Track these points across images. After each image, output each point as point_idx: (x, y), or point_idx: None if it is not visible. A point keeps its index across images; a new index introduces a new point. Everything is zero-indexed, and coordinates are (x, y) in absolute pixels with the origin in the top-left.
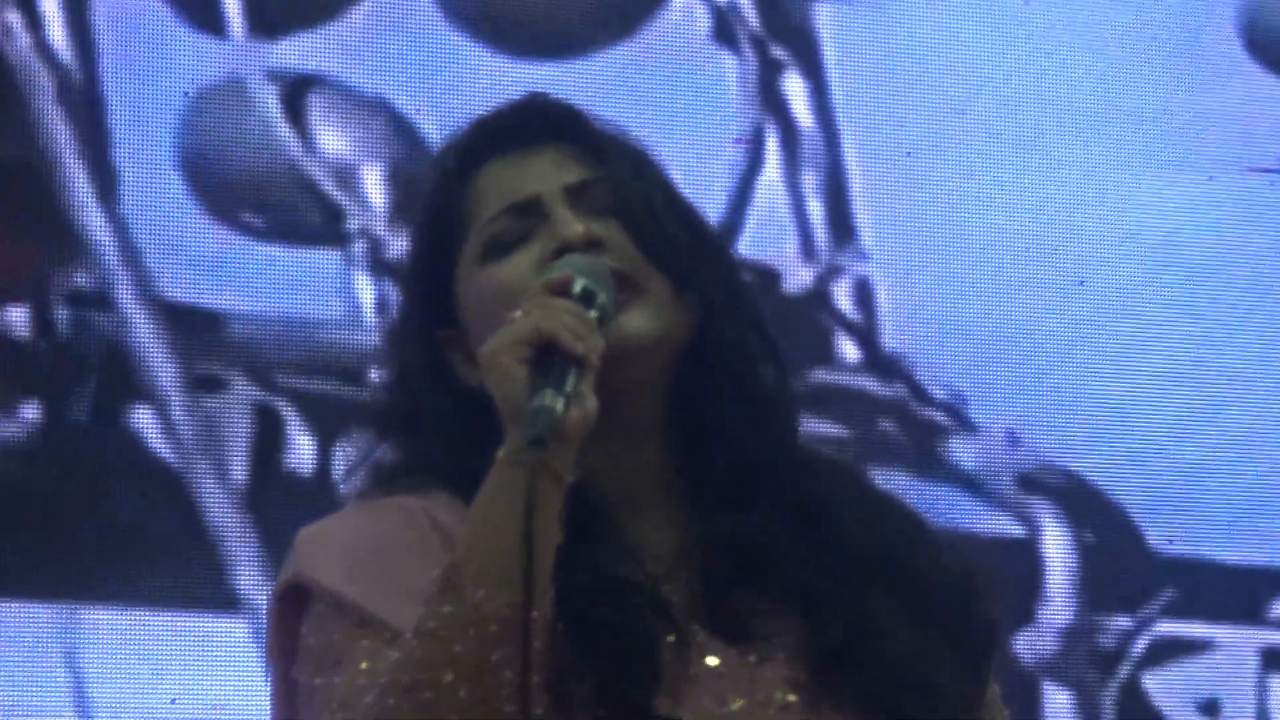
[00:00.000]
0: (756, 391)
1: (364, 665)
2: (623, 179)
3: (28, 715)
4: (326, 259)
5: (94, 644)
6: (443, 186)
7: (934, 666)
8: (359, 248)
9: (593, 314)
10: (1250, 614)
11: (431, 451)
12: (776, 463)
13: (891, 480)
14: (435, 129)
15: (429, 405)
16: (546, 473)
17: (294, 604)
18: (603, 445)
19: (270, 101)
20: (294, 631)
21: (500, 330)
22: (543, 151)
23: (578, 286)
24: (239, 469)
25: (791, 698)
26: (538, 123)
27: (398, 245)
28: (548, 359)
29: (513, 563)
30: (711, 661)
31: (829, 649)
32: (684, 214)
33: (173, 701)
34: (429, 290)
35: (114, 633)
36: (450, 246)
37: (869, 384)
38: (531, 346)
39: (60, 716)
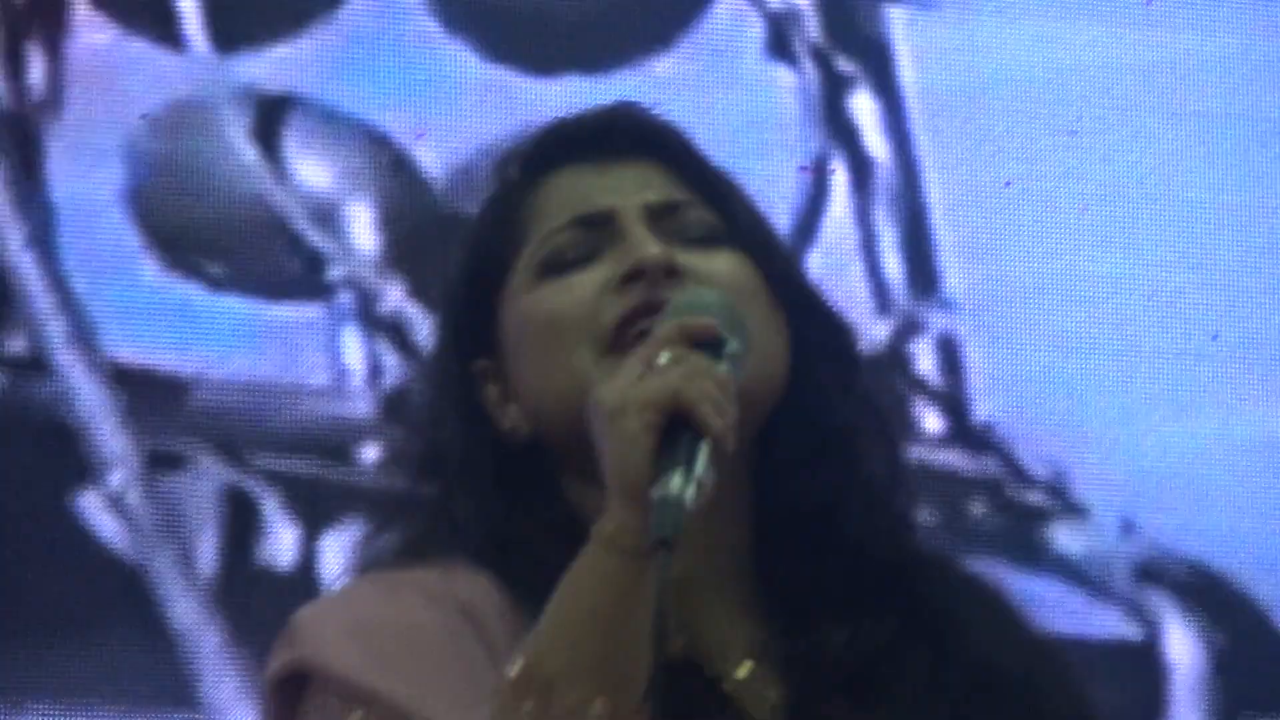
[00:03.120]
0: (863, 472)
1: None
2: (723, 199)
3: None
4: (306, 314)
5: None
6: (502, 191)
7: None
8: (345, 300)
9: (723, 367)
10: None
11: (457, 514)
12: (892, 563)
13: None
14: (435, 158)
15: (457, 452)
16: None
17: (293, 695)
18: None
19: (237, 126)
20: None
21: (625, 377)
22: (626, 165)
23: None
24: (207, 560)
25: None
26: (625, 133)
27: (391, 297)
28: (677, 428)
29: (611, 662)
30: None
31: None
32: (785, 249)
33: None
34: (469, 310)
35: None
36: (502, 259)
37: (956, 459)
38: (663, 413)
39: None
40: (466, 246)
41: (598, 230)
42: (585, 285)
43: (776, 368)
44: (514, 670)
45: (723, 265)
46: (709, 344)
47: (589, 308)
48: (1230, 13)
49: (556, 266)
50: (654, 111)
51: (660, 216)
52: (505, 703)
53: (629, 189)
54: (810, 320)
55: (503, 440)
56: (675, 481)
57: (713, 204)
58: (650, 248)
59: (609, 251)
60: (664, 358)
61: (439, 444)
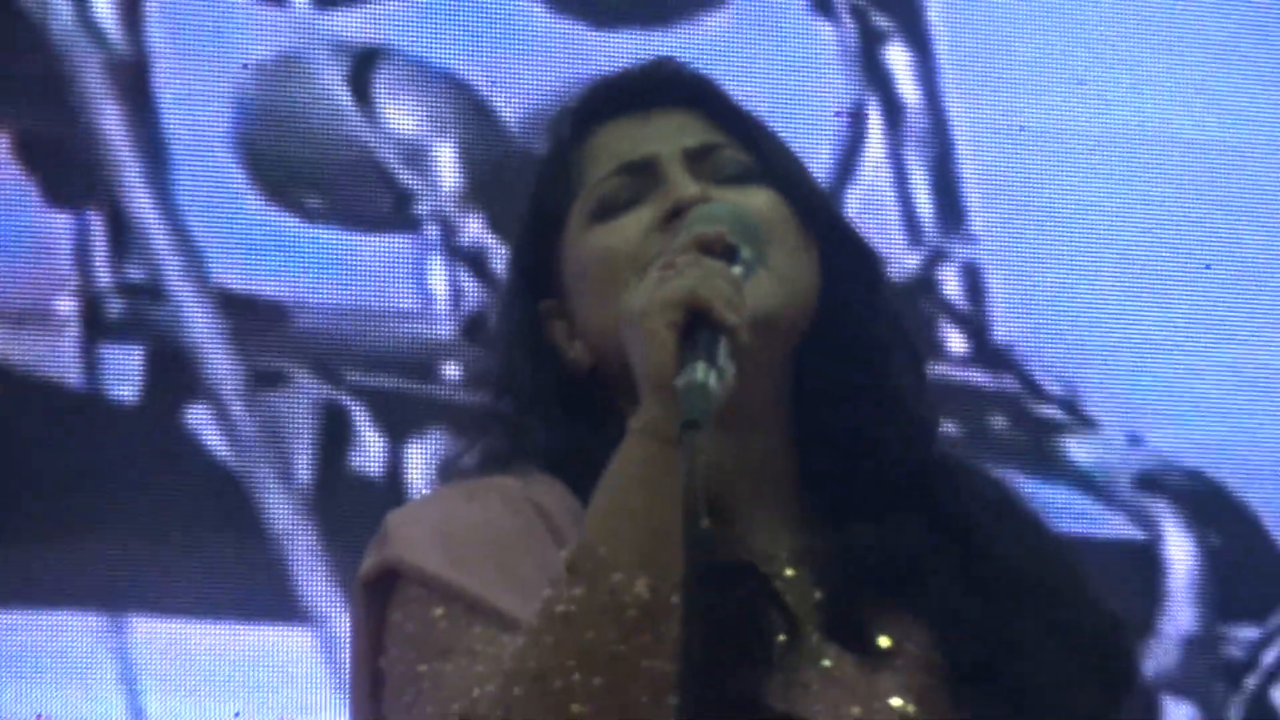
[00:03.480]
0: (893, 387)
1: (479, 653)
2: (755, 141)
3: None
4: (396, 245)
5: (149, 655)
6: (556, 147)
7: (1070, 699)
8: (430, 232)
9: (737, 269)
10: None
11: (530, 431)
12: (920, 469)
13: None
14: (510, 104)
15: (528, 382)
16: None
17: (384, 591)
18: (720, 432)
19: (334, 76)
20: (383, 620)
21: (646, 286)
22: (665, 115)
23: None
24: (303, 470)
25: (911, 708)
26: (663, 86)
27: (471, 230)
28: (697, 326)
29: (652, 544)
30: (826, 664)
31: (967, 666)
32: (816, 186)
33: (236, 715)
34: (534, 256)
35: (170, 643)
36: (559, 208)
37: (978, 377)
38: (682, 311)
39: None
40: (529, 197)
41: (641, 176)
42: (632, 226)
43: (807, 291)
44: (566, 557)
45: (756, 200)
46: (722, 251)
47: (637, 246)
48: None
49: (607, 211)
50: (689, 65)
51: (697, 159)
52: (558, 588)
53: (668, 136)
54: (840, 249)
55: (568, 370)
56: (699, 371)
57: (746, 146)
58: (689, 187)
59: (652, 195)
60: (680, 265)
61: (512, 375)
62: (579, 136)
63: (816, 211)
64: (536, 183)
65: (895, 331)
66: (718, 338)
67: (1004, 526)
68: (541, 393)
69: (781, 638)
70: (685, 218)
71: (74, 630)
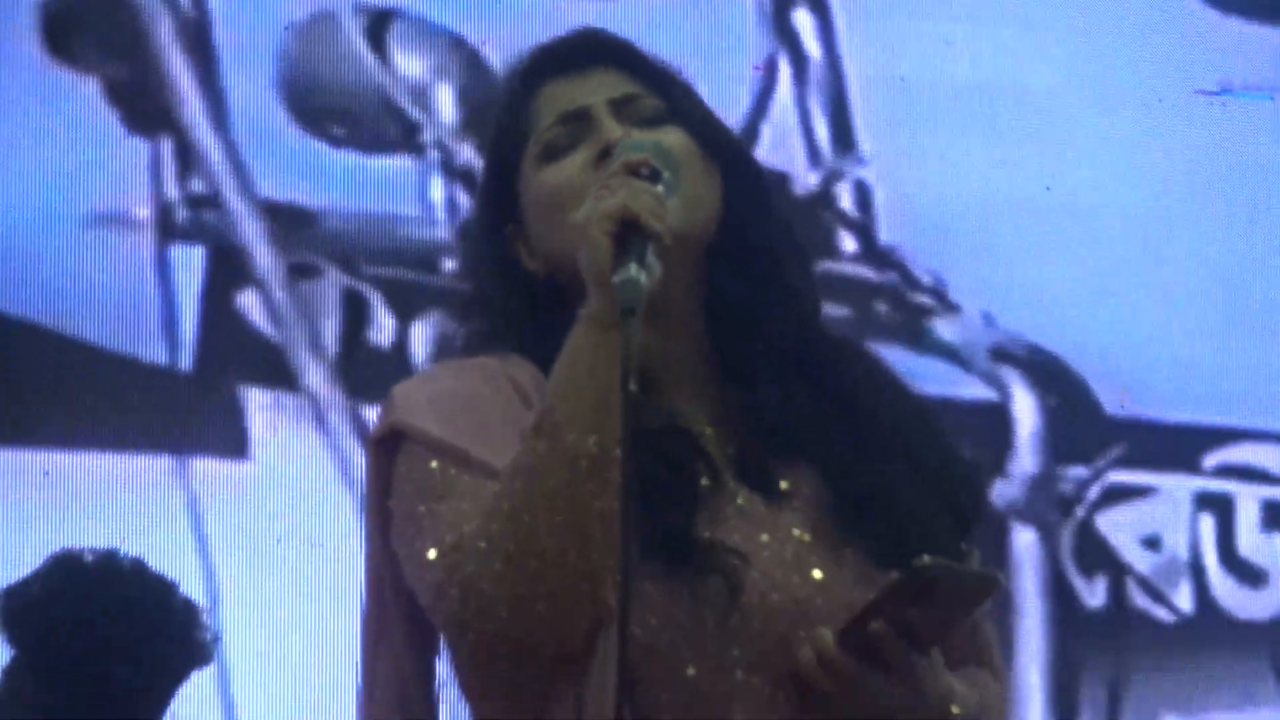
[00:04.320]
0: (784, 281)
1: (467, 495)
2: (667, 90)
3: (156, 557)
4: (405, 166)
5: (209, 492)
6: (509, 102)
7: (932, 521)
8: (432, 156)
9: (660, 188)
10: (1187, 465)
11: (501, 325)
12: (808, 345)
13: (884, 354)
14: (497, 55)
15: (498, 287)
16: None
17: (391, 447)
18: (649, 321)
19: (357, 31)
20: (391, 470)
21: (588, 205)
22: (595, 73)
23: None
24: (330, 343)
25: (807, 537)
26: (591, 49)
27: (465, 154)
28: (629, 234)
29: (597, 410)
30: (740, 502)
31: (847, 502)
32: (719, 123)
33: (278, 540)
34: (498, 191)
35: (227, 482)
36: (515, 153)
37: (866, 272)
38: (616, 221)
39: (182, 556)
40: (490, 144)
41: (578, 123)
42: (573, 165)
43: (711, 208)
44: (531, 421)
45: (670, 136)
46: (648, 174)
47: (577, 181)
48: None
49: (551, 154)
50: (613, 32)
51: (622, 107)
52: (526, 443)
53: (597, 90)
54: (739, 174)
55: (529, 277)
56: (631, 269)
57: (661, 94)
58: (615, 131)
59: (588, 139)
60: (613, 185)
61: (487, 282)
62: (527, 92)
63: (719, 145)
64: (495, 130)
65: (786, 236)
66: (646, 243)
67: (876, 389)
68: (510, 295)
69: (705, 482)
70: (614, 153)
71: (146, 470)
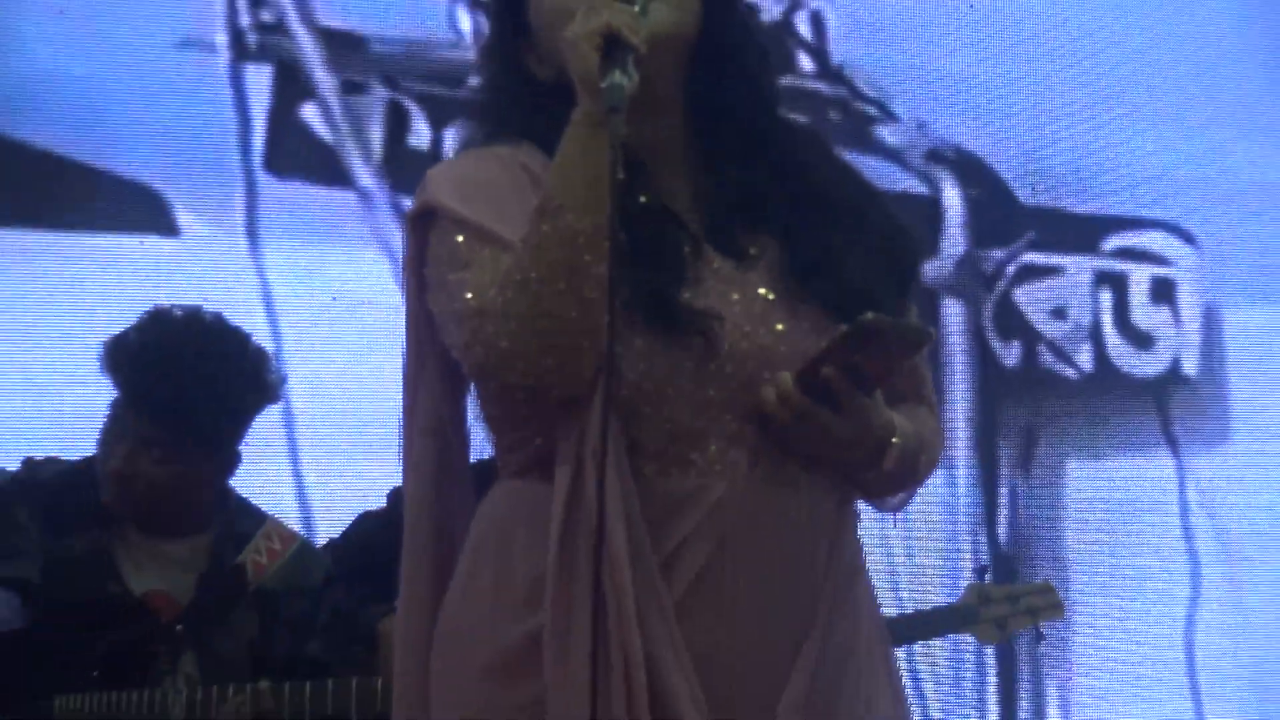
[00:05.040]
0: (751, 75)
1: (485, 265)
2: None
3: (232, 313)
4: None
5: (277, 270)
6: None
7: (875, 283)
8: None
9: (636, 7)
10: (1089, 248)
11: (515, 120)
12: (768, 130)
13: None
14: None
15: (514, 89)
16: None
17: (425, 223)
18: (638, 116)
19: None
20: (425, 242)
21: (578, 22)
22: None
23: None
24: (377, 146)
25: (770, 295)
26: None
27: None
28: (612, 46)
29: (591, 194)
30: (715, 266)
31: (802, 265)
32: None
33: (333, 299)
34: (510, 12)
35: (295, 261)
36: None
37: (821, 87)
38: (601, 36)
39: (253, 314)
40: None
41: None
42: None
43: (692, 16)
44: (537, 203)
45: None
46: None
47: (572, 1)
48: None
49: None
50: None
51: None
52: (532, 223)
53: None
54: None
55: (539, 81)
56: (615, 75)
57: None
58: None
59: None
60: (597, 8)
61: (504, 86)
62: None
63: None
64: None
65: (752, 43)
66: (627, 54)
67: (829, 169)
68: (522, 94)
69: (685, 249)
70: None
71: (217, 248)
